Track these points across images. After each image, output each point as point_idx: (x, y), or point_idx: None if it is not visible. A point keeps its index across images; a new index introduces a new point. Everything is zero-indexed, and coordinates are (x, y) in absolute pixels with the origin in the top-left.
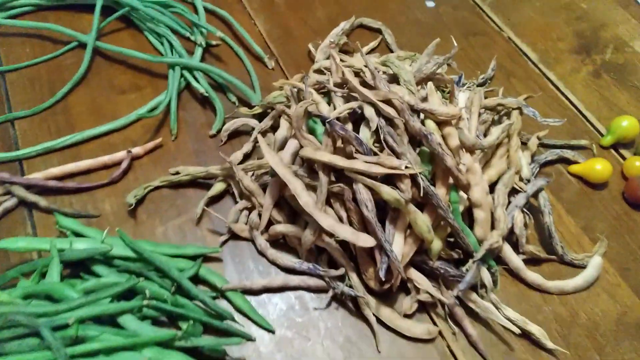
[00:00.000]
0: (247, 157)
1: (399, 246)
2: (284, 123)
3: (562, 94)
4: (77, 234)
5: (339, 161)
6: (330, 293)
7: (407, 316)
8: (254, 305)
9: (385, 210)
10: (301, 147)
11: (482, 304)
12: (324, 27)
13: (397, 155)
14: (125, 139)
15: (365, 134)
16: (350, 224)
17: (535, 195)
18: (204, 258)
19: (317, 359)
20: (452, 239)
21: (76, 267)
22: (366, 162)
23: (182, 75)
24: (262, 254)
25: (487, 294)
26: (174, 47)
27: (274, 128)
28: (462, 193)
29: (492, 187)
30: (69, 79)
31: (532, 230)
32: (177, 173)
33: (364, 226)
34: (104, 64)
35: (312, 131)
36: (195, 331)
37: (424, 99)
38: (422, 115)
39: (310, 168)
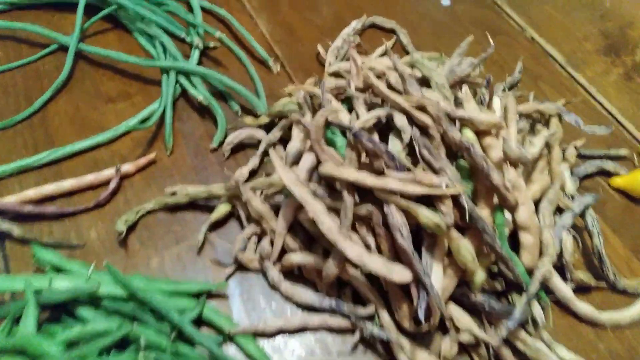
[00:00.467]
0: (253, 173)
1: (439, 279)
2: (297, 134)
3: (594, 98)
4: (58, 269)
5: (368, 179)
6: (357, 335)
7: None
8: (267, 352)
9: (419, 236)
10: (319, 162)
11: (533, 344)
12: (332, 27)
13: (435, 171)
14: (113, 155)
15: (396, 146)
16: (379, 251)
17: (582, 213)
18: (208, 295)
19: None
20: (494, 267)
21: (57, 308)
22: (400, 179)
23: (177, 81)
24: (275, 288)
25: (538, 332)
26: (168, 49)
27: (283, 140)
28: (506, 213)
29: (534, 205)
30: (48, 87)
31: (576, 253)
32: (174, 193)
33: (395, 254)
34: (88, 69)
35: (330, 144)
36: None
37: (457, 105)
38: (458, 124)
39: (330, 187)
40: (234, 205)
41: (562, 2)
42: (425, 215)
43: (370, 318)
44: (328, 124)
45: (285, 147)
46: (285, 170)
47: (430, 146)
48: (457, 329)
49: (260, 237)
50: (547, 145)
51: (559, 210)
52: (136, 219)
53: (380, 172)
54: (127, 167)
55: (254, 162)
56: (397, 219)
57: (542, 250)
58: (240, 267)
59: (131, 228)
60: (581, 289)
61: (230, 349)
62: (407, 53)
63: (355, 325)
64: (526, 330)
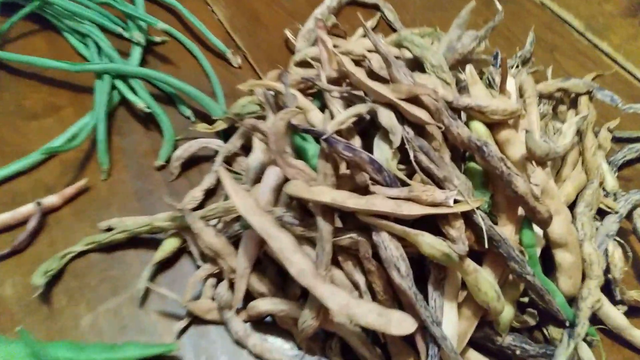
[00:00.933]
0: (210, 194)
1: (452, 325)
2: (258, 143)
3: (623, 68)
4: None
5: (349, 200)
6: None
7: None
8: None
9: (423, 267)
10: (286, 179)
11: None
12: (303, 8)
13: (439, 183)
14: (35, 185)
15: (384, 152)
16: (371, 290)
17: (629, 214)
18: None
19: None
20: (524, 298)
21: None
22: (391, 197)
23: (114, 87)
24: (241, 344)
25: None
26: (102, 49)
27: (247, 149)
28: (535, 227)
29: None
30: None
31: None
32: (110, 229)
33: (394, 294)
34: (8, 79)
35: (301, 153)
36: None
37: (459, 91)
38: (463, 116)
39: (303, 208)
40: (185, 239)
41: None
42: (428, 244)
43: None
44: (296, 129)
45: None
46: (239, 195)
47: (429, 149)
48: None
49: (218, 278)
50: (578, 132)
51: (598, 214)
52: (61, 266)
53: (364, 189)
54: (51, 200)
55: (210, 180)
56: (391, 251)
57: (585, 271)
58: (196, 319)
59: (56, 278)
60: (636, 310)
61: None
62: (396, 31)
63: None
64: None
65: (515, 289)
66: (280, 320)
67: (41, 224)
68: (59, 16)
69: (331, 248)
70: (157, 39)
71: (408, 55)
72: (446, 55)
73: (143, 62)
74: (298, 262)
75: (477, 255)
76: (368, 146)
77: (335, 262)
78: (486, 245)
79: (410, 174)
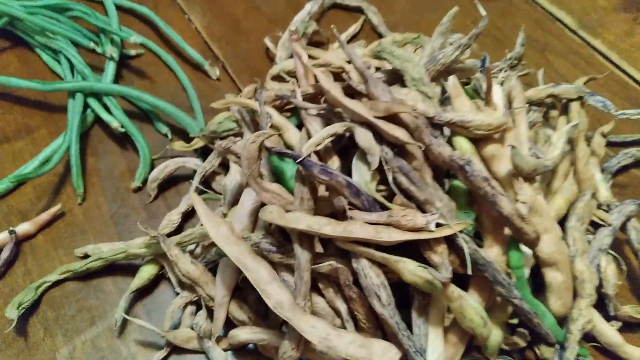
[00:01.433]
0: (189, 216)
1: (438, 353)
2: (235, 165)
3: (617, 67)
4: None
5: (326, 227)
6: None
7: None
8: None
9: (406, 290)
10: (263, 203)
11: None
12: (284, 13)
13: (420, 205)
14: (8, 212)
15: (362, 175)
16: (354, 319)
17: (622, 226)
18: None
19: None
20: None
21: None
22: (369, 222)
23: (87, 106)
24: None
25: None
26: (75, 65)
27: (226, 167)
28: (523, 247)
29: (559, 223)
30: None
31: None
32: (87, 256)
33: (377, 322)
34: None
35: (278, 174)
36: None
37: (443, 102)
38: (446, 131)
39: (282, 232)
40: (162, 266)
41: None
42: (410, 271)
43: None
44: (270, 150)
45: None
46: (212, 223)
47: (409, 170)
48: None
49: (197, 306)
50: (569, 141)
51: (591, 225)
52: (37, 296)
53: (344, 213)
54: (25, 228)
55: (187, 202)
56: (371, 279)
57: (577, 289)
58: (176, 349)
59: (31, 310)
60: (631, 326)
61: None
62: (381, 36)
63: None
64: None
65: (503, 311)
66: (262, 349)
67: (15, 253)
68: (29, 32)
69: (309, 277)
70: (132, 52)
71: (389, 66)
72: (428, 66)
73: (118, 77)
74: (275, 293)
75: (462, 277)
76: (349, 165)
77: (316, 289)
78: (469, 271)
79: (391, 196)
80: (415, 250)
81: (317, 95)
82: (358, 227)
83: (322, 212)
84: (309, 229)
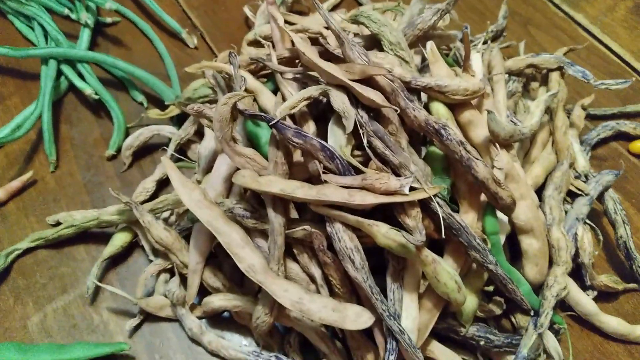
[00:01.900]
0: (163, 185)
1: (412, 318)
2: (209, 130)
3: (600, 42)
4: None
5: (299, 190)
6: None
7: None
8: None
9: (381, 256)
10: (237, 168)
11: None
12: None
13: (395, 169)
14: None
15: (337, 137)
16: (328, 284)
17: (600, 195)
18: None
19: None
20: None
21: None
22: (344, 186)
23: (61, 73)
24: (196, 341)
25: None
26: (48, 32)
27: (202, 135)
28: (500, 214)
29: (537, 192)
30: None
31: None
32: (59, 224)
33: (352, 288)
34: None
35: (253, 139)
36: None
37: (422, 70)
38: (423, 97)
39: (257, 198)
40: (136, 233)
41: None
42: (383, 234)
43: None
44: (245, 114)
45: None
46: (185, 187)
47: (384, 134)
48: None
49: (171, 273)
50: (548, 110)
51: (569, 195)
52: (7, 264)
53: (317, 178)
54: None
55: (162, 170)
56: (345, 242)
57: (552, 257)
58: (149, 317)
59: (2, 277)
60: (606, 296)
61: None
62: (361, 4)
63: None
64: None
65: (479, 278)
66: (237, 316)
67: None
68: None
69: (283, 241)
70: (108, 19)
71: (367, 32)
72: (406, 31)
73: (93, 45)
74: (248, 257)
75: (438, 244)
76: (326, 132)
77: (290, 254)
78: (443, 235)
79: (367, 161)
80: (389, 216)
81: (293, 59)
82: (332, 190)
83: (297, 178)
84: (282, 193)
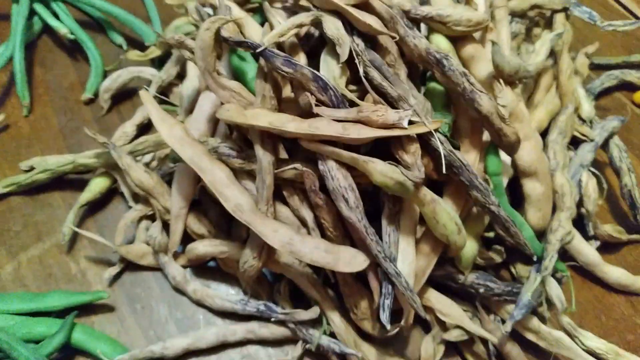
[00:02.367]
0: (144, 130)
1: (409, 262)
2: (192, 69)
3: None
4: None
5: (290, 124)
6: (300, 348)
7: None
8: None
9: (377, 200)
10: (222, 105)
11: (549, 335)
12: None
13: (392, 103)
14: None
15: (331, 68)
16: (321, 228)
17: (605, 143)
18: (83, 310)
19: None
20: (490, 233)
21: None
22: (338, 120)
23: (34, 12)
24: (180, 291)
25: (556, 317)
26: None
27: (183, 79)
28: (502, 155)
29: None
30: None
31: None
32: (32, 169)
33: (345, 231)
34: None
35: (239, 75)
36: None
37: (422, 3)
38: (423, 28)
39: (244, 139)
40: (115, 179)
41: None
42: (380, 171)
43: (317, 323)
44: (231, 45)
45: None
46: (165, 122)
47: (381, 64)
48: (443, 325)
49: (152, 220)
50: (552, 53)
51: (572, 143)
52: None
53: (309, 113)
54: None
55: (142, 113)
56: (338, 181)
57: (556, 203)
58: (130, 266)
59: None
60: (609, 247)
61: None
62: None
63: (296, 335)
64: (539, 316)
65: (479, 222)
66: (224, 264)
67: None
68: None
69: (272, 180)
70: None
71: None
72: None
73: None
74: (234, 196)
75: (436, 187)
76: (316, 64)
77: (280, 198)
78: (444, 171)
79: (362, 97)
80: (386, 154)
81: None
82: (325, 124)
83: None
84: (270, 126)
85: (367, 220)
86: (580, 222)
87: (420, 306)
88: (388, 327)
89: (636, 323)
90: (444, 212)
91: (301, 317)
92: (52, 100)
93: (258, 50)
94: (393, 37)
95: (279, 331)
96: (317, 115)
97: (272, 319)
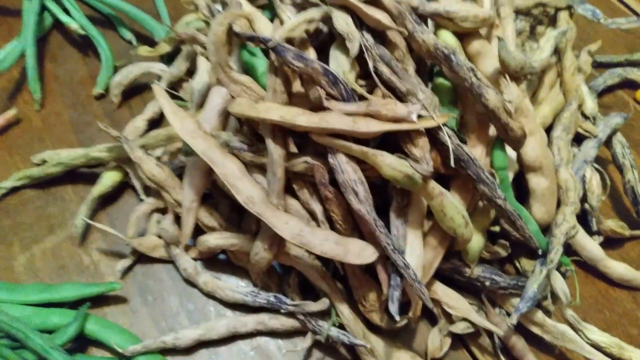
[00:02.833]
0: (155, 125)
1: (417, 254)
2: (203, 63)
3: None
4: None
5: (300, 118)
6: (309, 339)
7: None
8: None
9: (386, 194)
10: (233, 99)
11: (553, 328)
12: None
13: (401, 97)
14: None
15: (340, 63)
16: (330, 222)
17: (608, 140)
18: (96, 301)
19: None
20: (495, 227)
21: None
22: (348, 114)
23: (45, 8)
24: (191, 283)
25: (561, 310)
26: None
27: (193, 74)
28: (508, 150)
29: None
30: None
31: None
32: (45, 162)
33: (354, 224)
34: None
35: (250, 70)
36: None
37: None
38: (430, 24)
39: (254, 133)
40: (127, 173)
41: None
42: (389, 164)
43: (326, 314)
44: (242, 40)
45: None
46: (178, 116)
47: (390, 59)
48: (449, 317)
49: (164, 213)
50: (556, 51)
51: (576, 139)
52: None
53: (319, 106)
54: None
55: (152, 108)
56: (349, 174)
57: (561, 198)
58: (142, 258)
59: None
60: (612, 242)
61: None
62: None
63: (306, 326)
64: (544, 310)
65: (485, 216)
66: (234, 257)
67: None
68: None
69: (283, 173)
70: None
71: None
72: None
73: None
74: (246, 188)
75: (444, 180)
76: (325, 59)
77: (290, 191)
78: (452, 164)
79: (371, 91)
80: (395, 148)
81: None
82: (335, 117)
83: None
84: (281, 120)
85: (376, 213)
86: (583, 218)
87: (428, 297)
88: (397, 318)
89: (639, 317)
90: (452, 205)
91: (311, 308)
92: (63, 94)
93: (270, 45)
94: (402, 33)
95: (289, 323)
96: (328, 109)
97: (282, 311)
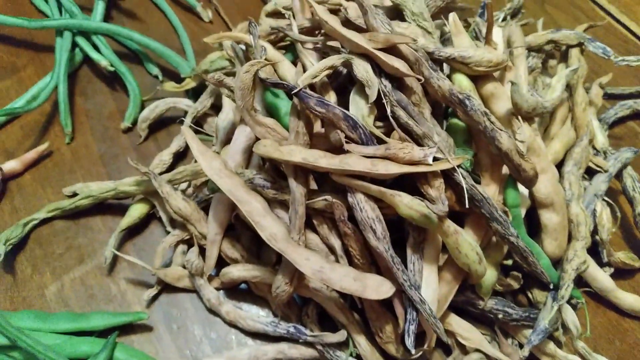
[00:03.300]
0: (180, 157)
1: (432, 289)
2: (228, 102)
3: (617, 21)
4: None
5: (322, 160)
6: None
7: None
8: None
9: (401, 229)
10: (257, 139)
11: (564, 358)
12: None
13: (418, 140)
14: None
15: (360, 108)
16: (348, 255)
17: (618, 173)
18: (123, 329)
19: None
20: (508, 261)
21: None
22: (366, 156)
23: (76, 45)
24: (214, 312)
25: (574, 343)
26: (63, 4)
27: (218, 109)
28: (520, 186)
29: (556, 168)
30: None
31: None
32: (75, 195)
33: (371, 258)
34: None
35: (273, 111)
36: None
37: (442, 43)
38: (445, 67)
39: (276, 170)
40: (154, 205)
41: None
42: (406, 204)
43: (344, 345)
44: (266, 84)
45: None
46: (206, 156)
47: (407, 104)
48: (463, 348)
49: (189, 244)
50: (568, 87)
51: (587, 173)
52: (24, 233)
53: (339, 148)
54: (11, 165)
55: (178, 142)
56: (366, 212)
57: (572, 232)
58: (167, 287)
59: (19, 247)
60: (622, 273)
61: None
62: None
63: (324, 356)
64: (555, 341)
65: (498, 251)
66: (255, 287)
67: (2, 191)
68: None
69: (304, 211)
70: None
71: (388, 3)
72: (428, 2)
73: (107, 18)
74: (269, 225)
75: (458, 216)
76: (345, 104)
77: (310, 226)
78: (467, 205)
79: (389, 132)
80: (411, 187)
81: (313, 29)
82: (354, 160)
83: (317, 149)
84: (304, 162)
85: (393, 250)
86: (594, 249)
87: (443, 332)
88: (413, 352)
89: None
90: (466, 243)
91: (329, 340)
92: (92, 128)
93: (293, 92)
94: (419, 79)
95: (308, 352)
96: (347, 151)
97: (301, 341)
